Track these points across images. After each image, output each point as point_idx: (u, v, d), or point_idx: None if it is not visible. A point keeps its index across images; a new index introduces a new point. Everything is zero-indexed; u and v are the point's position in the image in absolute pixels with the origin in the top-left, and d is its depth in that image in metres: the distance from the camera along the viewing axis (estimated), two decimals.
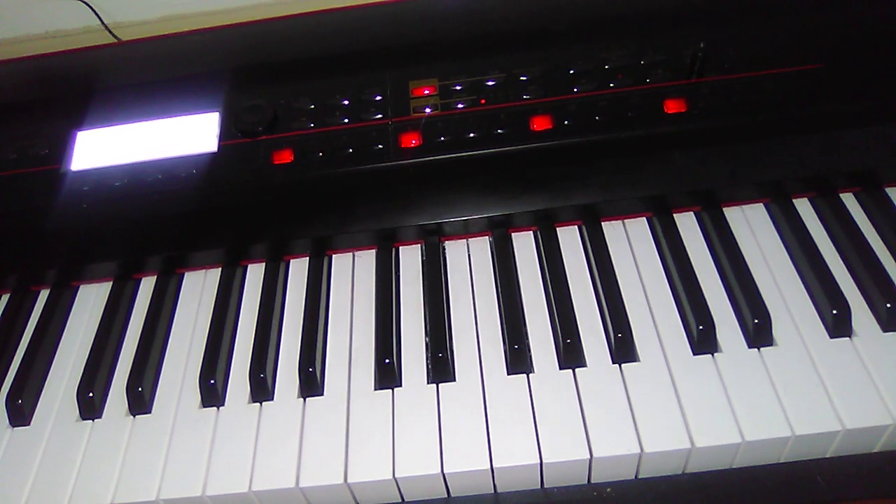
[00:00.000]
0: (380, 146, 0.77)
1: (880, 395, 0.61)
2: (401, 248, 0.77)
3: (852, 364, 0.63)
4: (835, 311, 0.65)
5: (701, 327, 0.65)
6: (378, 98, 0.80)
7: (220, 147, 0.80)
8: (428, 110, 0.79)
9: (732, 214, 0.74)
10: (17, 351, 0.76)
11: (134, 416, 0.69)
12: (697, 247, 0.72)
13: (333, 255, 0.78)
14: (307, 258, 0.77)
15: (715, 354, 0.65)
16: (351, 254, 0.77)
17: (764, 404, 0.62)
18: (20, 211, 0.81)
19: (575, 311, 0.68)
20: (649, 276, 0.71)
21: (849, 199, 0.75)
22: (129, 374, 0.70)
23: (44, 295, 0.80)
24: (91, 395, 0.69)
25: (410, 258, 0.76)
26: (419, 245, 0.77)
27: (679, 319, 0.68)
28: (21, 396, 0.70)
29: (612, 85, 0.77)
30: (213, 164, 0.79)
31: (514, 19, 0.86)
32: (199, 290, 0.77)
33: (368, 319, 0.72)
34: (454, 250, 0.76)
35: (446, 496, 0.64)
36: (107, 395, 0.71)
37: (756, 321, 0.65)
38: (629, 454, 0.60)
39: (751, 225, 0.74)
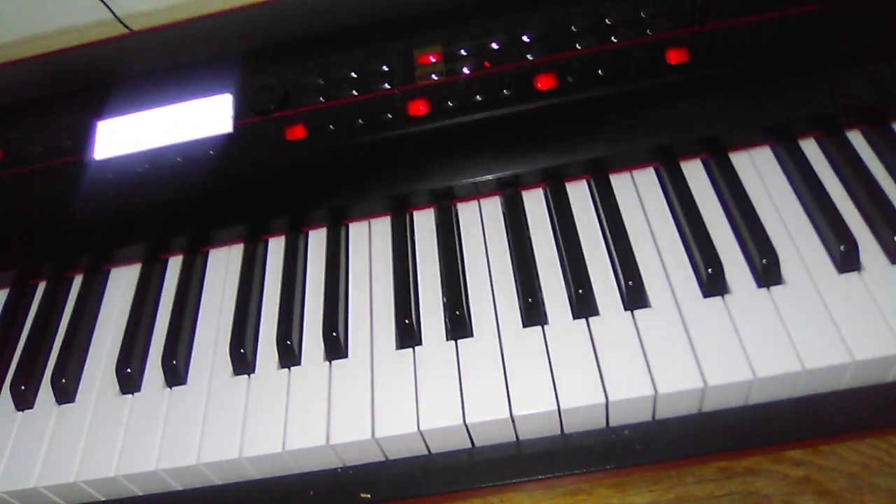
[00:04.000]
0: (389, 115, 0.79)
1: (890, 326, 0.62)
2: (415, 212, 0.79)
3: (862, 297, 0.64)
4: (842, 247, 0.65)
5: (710, 270, 0.66)
6: (384, 68, 0.81)
7: (235, 127, 0.83)
8: (431, 77, 0.80)
9: (739, 159, 0.75)
10: (57, 334, 0.80)
11: (170, 387, 0.72)
12: (705, 193, 0.73)
13: (350, 224, 0.80)
14: (325, 229, 0.80)
15: (725, 296, 0.66)
16: (367, 221, 0.80)
17: (775, 341, 0.63)
18: (50, 201, 0.84)
19: (586, 262, 0.70)
20: (658, 224, 0.72)
21: (856, 137, 0.75)
22: (164, 349, 0.73)
23: (78, 280, 0.84)
24: (129, 370, 0.73)
25: (424, 222, 0.78)
26: (432, 209, 0.79)
27: (689, 264, 0.69)
28: (65, 376, 0.74)
29: (613, 39, 0.78)
30: (230, 143, 0.82)
31: None
32: (224, 265, 0.80)
33: (387, 283, 0.74)
34: (466, 211, 0.78)
35: (470, 446, 0.67)
36: (144, 369, 0.74)
37: (764, 261, 0.66)
38: (644, 396, 0.62)
39: (758, 168, 0.74)
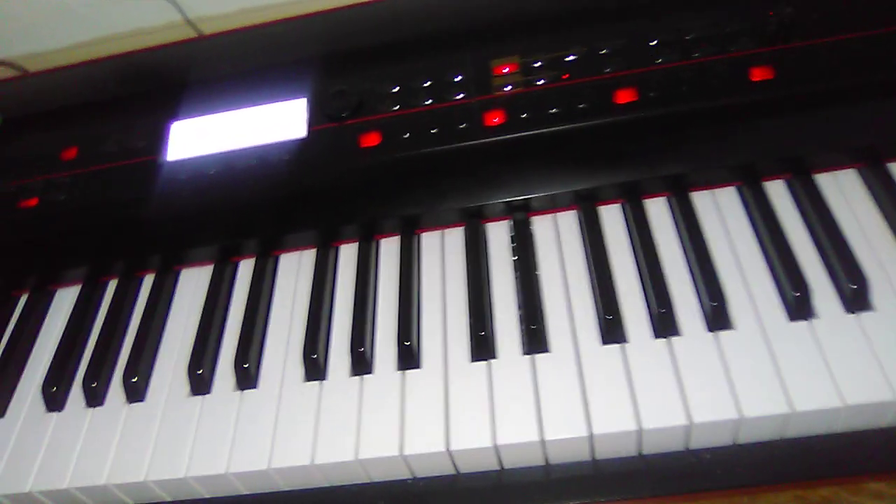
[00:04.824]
0: (464, 125, 0.79)
1: None
2: (488, 224, 0.78)
3: None
4: None
5: (797, 293, 0.65)
6: (461, 78, 0.81)
7: (309, 132, 0.83)
8: (507, 88, 0.80)
9: (824, 181, 0.73)
10: (127, 333, 0.81)
11: (241, 390, 0.72)
12: (789, 214, 0.72)
13: (422, 234, 0.80)
14: (397, 237, 0.80)
15: (811, 320, 0.65)
16: (440, 232, 0.79)
17: (864, 368, 0.61)
18: (123, 200, 0.85)
19: (667, 282, 0.68)
20: (740, 244, 0.71)
21: None
22: (236, 351, 0.73)
23: (149, 280, 0.84)
24: (200, 371, 0.73)
25: (498, 234, 0.77)
26: (507, 221, 0.78)
27: (774, 286, 0.67)
28: (136, 374, 0.75)
29: (695, 55, 0.77)
30: (304, 149, 0.82)
31: None
32: (294, 270, 0.80)
33: (460, 294, 0.74)
34: (542, 225, 0.77)
35: (544, 463, 0.66)
36: (215, 371, 0.75)
37: (853, 286, 0.64)
38: (728, 420, 0.61)
39: (843, 191, 0.73)
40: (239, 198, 0.82)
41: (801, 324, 0.65)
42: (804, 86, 0.74)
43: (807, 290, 0.65)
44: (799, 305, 0.65)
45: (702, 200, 0.74)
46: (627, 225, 0.75)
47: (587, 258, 0.73)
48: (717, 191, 0.75)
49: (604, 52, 0.79)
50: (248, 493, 0.70)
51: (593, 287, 0.70)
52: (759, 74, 0.75)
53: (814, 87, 0.74)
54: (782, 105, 0.74)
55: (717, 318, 0.65)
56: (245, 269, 0.82)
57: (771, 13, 0.76)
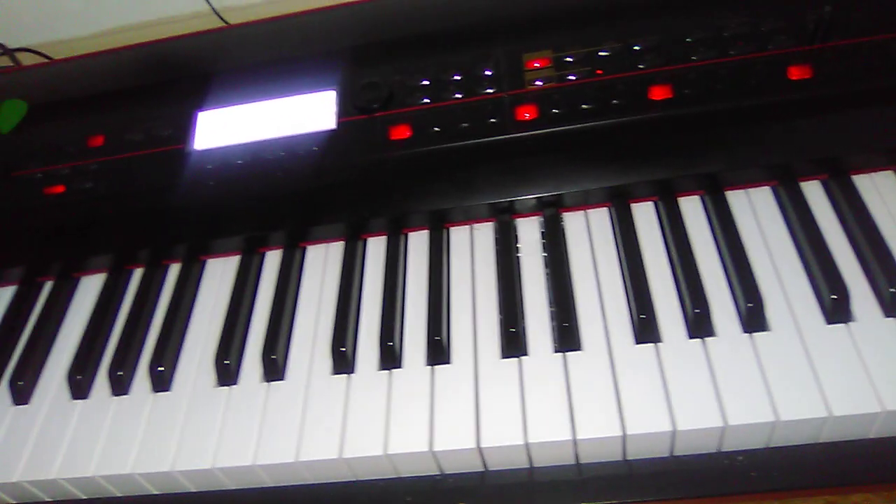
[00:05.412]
0: (496, 119, 0.78)
1: None
2: (518, 220, 0.78)
3: None
4: None
5: (834, 296, 0.64)
6: (493, 72, 0.80)
7: (338, 124, 0.82)
8: (539, 83, 0.79)
9: (862, 182, 0.72)
10: (152, 322, 0.80)
11: (268, 382, 0.72)
12: (825, 215, 0.71)
13: (451, 228, 0.79)
14: (426, 231, 0.79)
15: (849, 323, 0.64)
16: (469, 226, 0.79)
17: None
18: (149, 189, 0.85)
19: (702, 281, 0.68)
20: (776, 244, 0.70)
21: None
22: (264, 342, 0.73)
23: (174, 269, 0.84)
24: (227, 362, 0.73)
25: (529, 230, 0.77)
26: (537, 217, 0.77)
27: (810, 288, 0.66)
28: (162, 363, 0.74)
29: (732, 53, 0.76)
30: (333, 140, 0.81)
31: None
32: (322, 263, 0.80)
33: (490, 290, 0.73)
34: (573, 221, 0.76)
35: (575, 462, 0.65)
36: (241, 362, 0.74)
37: (893, 290, 0.63)
38: (765, 422, 0.60)
39: (881, 193, 0.72)
40: (266, 188, 0.82)
41: (839, 327, 0.64)
42: (843, 86, 0.73)
43: (845, 294, 0.64)
44: (836, 309, 0.64)
45: (736, 199, 0.74)
46: (661, 223, 0.74)
47: (620, 256, 0.72)
48: (752, 190, 0.74)
49: (638, 47, 0.78)
50: (273, 485, 0.70)
51: (626, 285, 0.70)
52: (797, 73, 0.74)
53: (852, 87, 0.73)
54: (820, 105, 0.73)
55: (754, 319, 0.64)
56: (272, 261, 0.82)
57: (810, 11, 0.75)
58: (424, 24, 0.88)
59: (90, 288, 0.85)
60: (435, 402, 0.66)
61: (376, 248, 0.79)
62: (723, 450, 0.63)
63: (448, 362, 0.69)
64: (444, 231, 0.79)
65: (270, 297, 0.77)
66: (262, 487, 0.70)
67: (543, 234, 0.76)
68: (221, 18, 1.12)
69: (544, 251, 0.74)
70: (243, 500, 0.70)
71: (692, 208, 0.74)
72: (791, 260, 0.69)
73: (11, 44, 1.17)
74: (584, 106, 0.77)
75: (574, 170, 0.76)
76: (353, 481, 0.68)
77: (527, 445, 0.63)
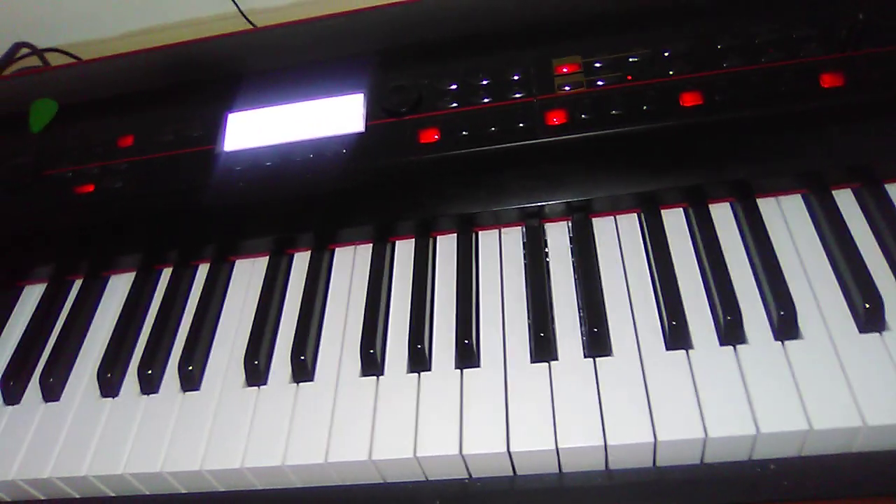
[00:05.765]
0: (525, 124, 0.78)
1: None
2: (547, 224, 0.78)
3: None
4: None
5: (868, 305, 0.64)
6: (522, 76, 0.81)
7: (366, 127, 0.82)
8: (568, 88, 0.79)
9: (894, 191, 0.72)
10: (182, 321, 0.81)
11: (297, 383, 0.72)
12: (857, 224, 0.71)
13: (480, 232, 0.79)
14: (454, 234, 0.79)
15: (883, 333, 0.63)
16: (497, 230, 0.79)
17: None
18: (178, 190, 0.85)
19: (735, 288, 0.67)
20: (807, 252, 0.70)
21: None
22: (293, 343, 0.73)
23: (203, 269, 0.84)
24: (257, 362, 0.73)
25: (558, 235, 0.77)
26: (566, 222, 0.77)
27: (843, 297, 0.66)
28: (191, 363, 0.75)
29: (763, 60, 0.76)
30: (361, 143, 0.82)
31: None
32: (350, 265, 0.80)
33: (519, 294, 0.73)
34: (602, 227, 0.76)
35: (605, 468, 0.65)
36: (270, 362, 0.74)
37: None
38: (797, 431, 0.60)
39: None
40: (295, 190, 0.82)
41: (873, 336, 0.63)
42: (875, 93, 0.73)
43: (879, 302, 0.64)
44: (870, 317, 0.64)
45: (767, 207, 0.73)
46: (690, 229, 0.74)
47: (650, 262, 0.72)
48: (783, 198, 0.74)
49: (668, 53, 0.78)
50: (301, 486, 0.70)
51: (656, 291, 0.70)
52: (829, 81, 0.74)
53: (885, 95, 0.73)
54: (852, 113, 0.73)
55: (786, 327, 0.64)
56: (300, 262, 0.82)
57: (842, 19, 0.75)
58: (453, 27, 0.89)
59: (119, 287, 0.86)
60: (464, 406, 0.67)
61: (404, 250, 0.80)
62: (754, 458, 0.63)
63: (477, 366, 0.69)
64: (473, 234, 0.79)
65: (299, 298, 0.78)
66: (290, 488, 0.70)
67: (572, 239, 0.76)
68: (249, 21, 1.13)
69: (573, 256, 0.74)
70: (276, 500, 0.70)
71: (722, 215, 0.74)
72: (823, 268, 0.68)
73: (41, 44, 1.18)
74: (613, 111, 0.77)
75: (604, 175, 0.76)
76: (381, 483, 0.69)
77: (557, 451, 0.63)
